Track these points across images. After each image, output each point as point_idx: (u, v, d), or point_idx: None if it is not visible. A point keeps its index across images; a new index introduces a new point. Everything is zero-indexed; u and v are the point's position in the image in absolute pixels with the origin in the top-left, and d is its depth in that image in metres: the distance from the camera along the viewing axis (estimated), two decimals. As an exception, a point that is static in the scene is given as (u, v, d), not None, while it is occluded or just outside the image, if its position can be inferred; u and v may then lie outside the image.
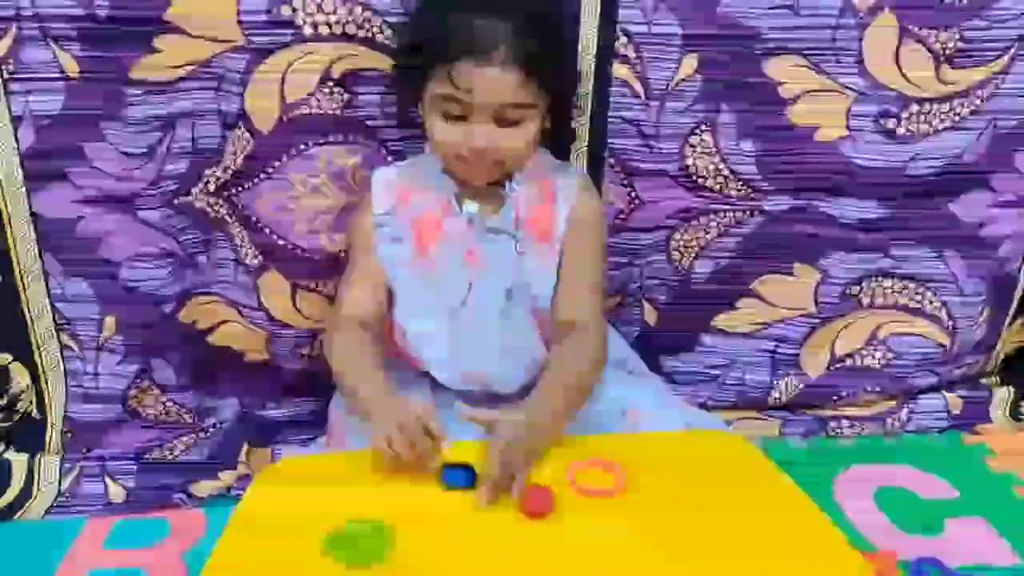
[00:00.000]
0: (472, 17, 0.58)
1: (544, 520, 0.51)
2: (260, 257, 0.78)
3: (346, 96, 0.72)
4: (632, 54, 0.74)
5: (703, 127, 0.77)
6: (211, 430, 0.85)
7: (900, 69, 0.76)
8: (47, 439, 0.82)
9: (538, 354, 0.67)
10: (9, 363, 0.80)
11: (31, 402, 0.82)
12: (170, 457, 0.82)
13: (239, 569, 0.48)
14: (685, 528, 0.51)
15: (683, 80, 0.75)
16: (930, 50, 0.75)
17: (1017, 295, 0.87)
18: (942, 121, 0.78)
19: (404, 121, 0.73)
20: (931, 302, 0.85)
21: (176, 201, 0.75)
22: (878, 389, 0.88)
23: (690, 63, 0.75)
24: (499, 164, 0.64)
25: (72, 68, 0.69)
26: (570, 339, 0.65)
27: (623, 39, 0.74)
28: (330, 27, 0.70)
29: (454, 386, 0.69)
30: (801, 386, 0.88)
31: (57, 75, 0.69)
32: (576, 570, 0.48)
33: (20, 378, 0.81)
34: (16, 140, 0.72)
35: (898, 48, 0.75)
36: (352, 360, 0.63)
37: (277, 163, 0.74)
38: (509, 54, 0.58)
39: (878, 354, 0.87)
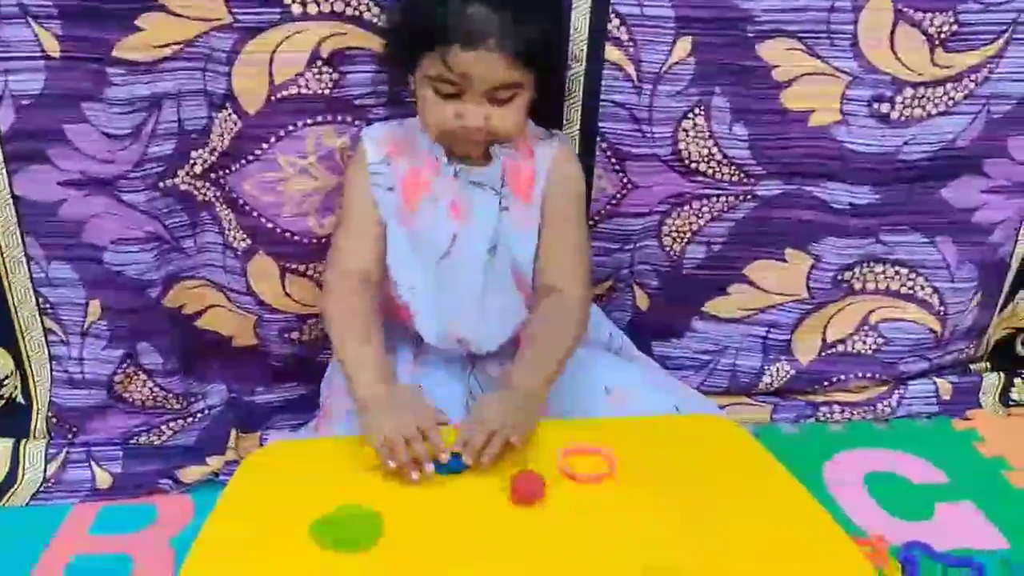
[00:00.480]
0: (466, 3, 0.58)
1: (534, 507, 0.51)
2: (248, 240, 0.76)
3: (335, 76, 0.71)
4: (625, 37, 0.74)
5: (696, 111, 0.76)
6: (198, 415, 0.84)
7: (895, 52, 0.75)
8: (32, 425, 0.81)
9: (519, 315, 0.68)
10: (-8, 349, 0.79)
11: (15, 387, 0.81)
12: (157, 442, 0.81)
13: (225, 553, 0.48)
14: (675, 514, 0.51)
15: (676, 63, 0.75)
16: (924, 33, 0.74)
17: (1008, 281, 0.87)
18: (936, 105, 0.77)
19: (394, 98, 0.72)
20: (923, 288, 0.85)
21: (161, 184, 0.74)
22: (869, 375, 0.88)
23: (683, 46, 0.74)
24: (489, 140, 0.64)
25: (53, 47, 0.68)
26: (551, 304, 0.66)
27: (615, 21, 0.73)
28: (318, 5, 0.68)
29: (438, 343, 0.69)
30: (792, 372, 0.88)
31: (38, 54, 0.68)
32: (566, 557, 0.47)
33: (4, 363, 0.80)
34: (-4, 121, 0.70)
35: (892, 31, 0.74)
36: (350, 335, 0.64)
37: (265, 145, 0.73)
38: (502, 40, 0.59)
39: (869, 339, 0.87)
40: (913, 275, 0.85)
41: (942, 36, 0.74)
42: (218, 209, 0.76)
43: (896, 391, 0.89)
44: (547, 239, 0.68)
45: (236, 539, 0.48)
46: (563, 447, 0.56)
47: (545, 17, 0.64)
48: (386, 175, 0.67)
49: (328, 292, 0.68)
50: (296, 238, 0.76)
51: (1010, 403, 0.90)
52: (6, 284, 0.76)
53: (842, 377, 0.88)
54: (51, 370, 0.80)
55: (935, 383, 0.89)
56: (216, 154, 0.74)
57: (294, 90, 0.70)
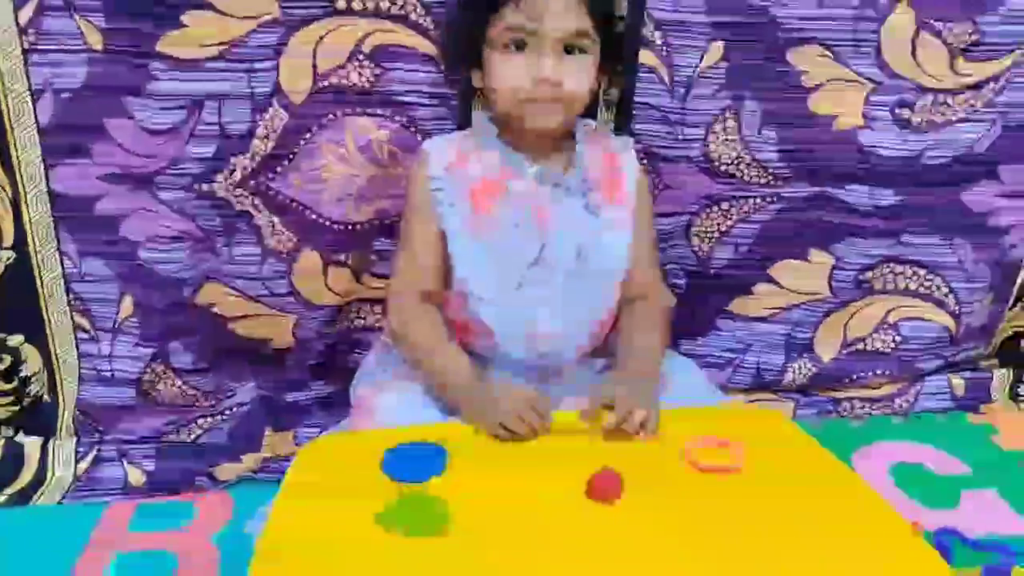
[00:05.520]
0: None
1: (609, 505, 0.51)
2: (294, 238, 0.76)
3: (376, 71, 0.72)
4: (659, 41, 0.75)
5: (727, 114, 0.79)
6: (228, 413, 0.83)
7: (916, 60, 0.78)
8: (59, 423, 0.80)
9: (599, 318, 0.68)
10: (21, 344, 0.78)
11: (42, 384, 0.80)
12: (189, 440, 0.81)
13: (294, 542, 0.47)
14: (753, 510, 0.51)
15: (709, 68, 0.77)
16: (945, 42, 0.77)
17: (1019, 281, 0.91)
18: (955, 112, 0.80)
19: (458, 76, 0.70)
20: (939, 288, 0.89)
21: (197, 186, 0.73)
22: (887, 372, 0.91)
23: (716, 51, 0.76)
24: (561, 103, 0.63)
25: (96, 40, 0.68)
26: (645, 307, 0.67)
27: (650, 26, 0.75)
28: (363, 2, 0.69)
29: (513, 354, 0.68)
30: (814, 369, 0.90)
31: (81, 47, 0.68)
32: (637, 555, 0.47)
33: (32, 360, 0.78)
34: (35, 114, 0.69)
35: (914, 39, 0.77)
36: (433, 340, 0.65)
37: (308, 134, 0.73)
38: None
39: (888, 338, 0.90)
40: (931, 276, 0.88)
41: (962, 45, 0.77)
42: (256, 218, 0.75)
43: (913, 387, 0.91)
44: (636, 241, 0.67)
45: (303, 528, 0.48)
46: (687, 439, 0.56)
47: None
48: (448, 190, 0.65)
49: (396, 314, 0.68)
50: (337, 226, 0.76)
51: (1019, 398, 0.93)
52: (38, 280, 0.75)
53: (862, 374, 0.91)
54: (79, 367, 0.79)
55: (949, 380, 0.92)
56: (258, 160, 0.73)
57: (335, 80, 0.71)
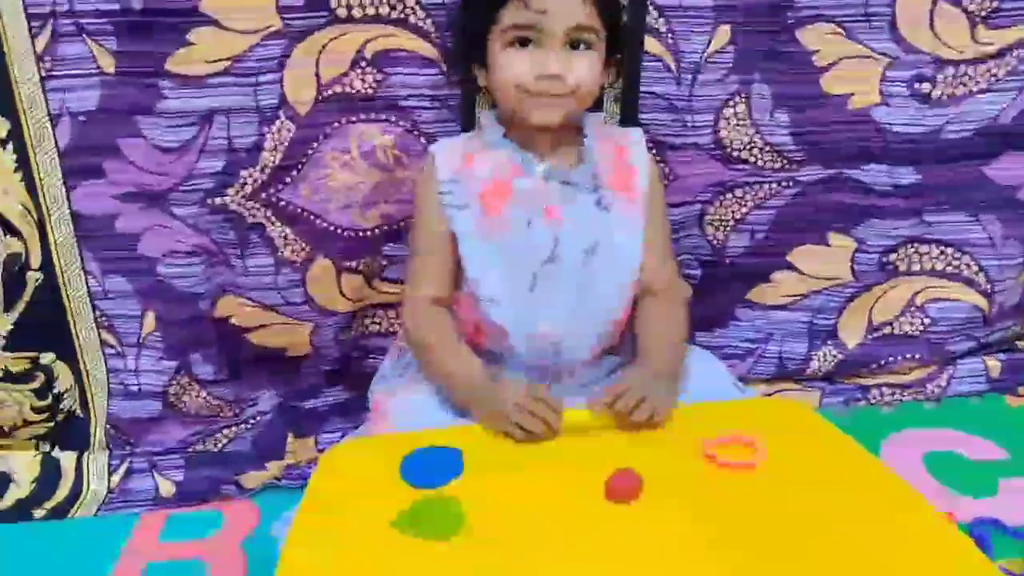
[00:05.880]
0: None
1: (627, 504, 0.50)
2: (307, 248, 0.77)
3: (379, 76, 0.72)
4: (663, 28, 0.74)
5: (737, 99, 0.77)
6: (251, 422, 0.85)
7: (934, 31, 0.75)
8: (92, 437, 0.83)
9: (612, 316, 0.67)
10: (53, 362, 0.80)
11: (75, 400, 0.83)
12: (215, 450, 0.82)
13: (318, 546, 0.48)
14: (780, 499, 0.50)
15: (716, 52, 0.75)
16: (965, 11, 0.74)
17: (1054, 255, 0.87)
18: (977, 83, 0.77)
19: (461, 77, 0.69)
20: (968, 266, 0.85)
21: (210, 201, 0.74)
22: (917, 356, 0.88)
23: (722, 35, 0.74)
24: (567, 98, 0.62)
25: (108, 63, 0.69)
26: (662, 300, 0.66)
27: (654, 13, 0.74)
28: (363, 9, 0.70)
29: (525, 354, 0.68)
30: (840, 356, 0.88)
31: (93, 70, 0.69)
32: (658, 555, 0.46)
33: (64, 377, 0.81)
34: (55, 138, 0.72)
35: (932, 10, 0.74)
36: (445, 343, 0.65)
37: (315, 144, 0.74)
38: None
39: (916, 321, 0.87)
40: (959, 254, 0.85)
41: (983, 13, 0.74)
42: (268, 229, 0.76)
43: (945, 371, 0.88)
44: (650, 237, 0.67)
45: (327, 533, 0.49)
46: (705, 436, 0.55)
47: None
48: (457, 193, 0.65)
49: (409, 319, 0.68)
50: (347, 233, 0.77)
51: (1060, 378, 0.90)
52: (65, 299, 0.78)
53: (890, 359, 0.88)
54: (108, 382, 0.82)
55: (983, 361, 0.89)
56: (267, 172, 0.74)
57: (339, 88, 0.72)
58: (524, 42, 0.61)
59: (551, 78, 0.60)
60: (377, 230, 0.78)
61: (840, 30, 0.75)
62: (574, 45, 0.61)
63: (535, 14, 0.59)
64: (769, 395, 0.87)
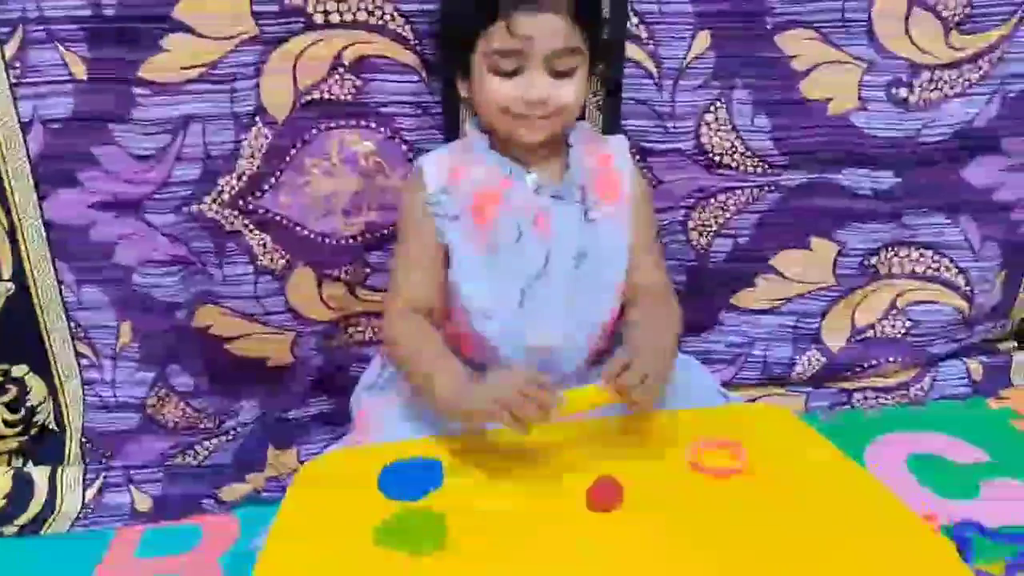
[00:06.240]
0: None
1: (610, 512, 0.49)
2: (287, 256, 0.76)
3: (357, 82, 0.71)
4: (644, 34, 0.74)
5: (718, 104, 0.77)
6: (231, 433, 0.83)
7: (910, 37, 0.76)
8: (67, 451, 0.81)
9: (601, 318, 0.66)
10: (26, 375, 0.78)
11: (48, 413, 0.81)
12: (194, 463, 0.81)
13: (292, 562, 0.47)
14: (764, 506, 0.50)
15: (696, 57, 0.75)
16: (939, 16, 0.75)
17: (1032, 256, 0.88)
18: (952, 88, 0.78)
19: (454, 92, 0.68)
20: (948, 269, 0.86)
21: (186, 208, 0.73)
22: (900, 359, 0.89)
23: (703, 40, 0.75)
24: (552, 118, 0.63)
25: (80, 70, 0.68)
26: (654, 300, 0.66)
27: (634, 20, 0.74)
28: (340, 15, 0.69)
29: (517, 364, 0.66)
30: (824, 360, 0.88)
31: (65, 77, 0.68)
32: (641, 564, 0.46)
33: (37, 389, 0.79)
34: (26, 146, 0.70)
35: (907, 16, 0.75)
36: (422, 347, 0.62)
37: (293, 151, 0.73)
38: (560, 1, 0.59)
39: (898, 323, 0.88)
40: (938, 257, 0.85)
41: (956, 18, 0.75)
42: (246, 237, 0.75)
43: (928, 373, 0.89)
44: (639, 240, 0.66)
45: (301, 548, 0.48)
46: (690, 441, 0.54)
47: None
48: (447, 203, 0.65)
49: (391, 325, 0.66)
50: (327, 240, 0.76)
51: (1040, 380, 0.90)
52: (38, 310, 0.76)
53: (874, 362, 0.88)
54: (83, 395, 0.80)
55: (965, 364, 0.90)
56: (244, 179, 0.73)
57: (316, 95, 0.71)
58: (510, 72, 0.61)
59: (536, 103, 0.61)
60: (360, 238, 0.77)
61: (818, 36, 0.76)
62: (559, 73, 0.61)
63: (520, 40, 0.59)
64: (754, 400, 0.87)
